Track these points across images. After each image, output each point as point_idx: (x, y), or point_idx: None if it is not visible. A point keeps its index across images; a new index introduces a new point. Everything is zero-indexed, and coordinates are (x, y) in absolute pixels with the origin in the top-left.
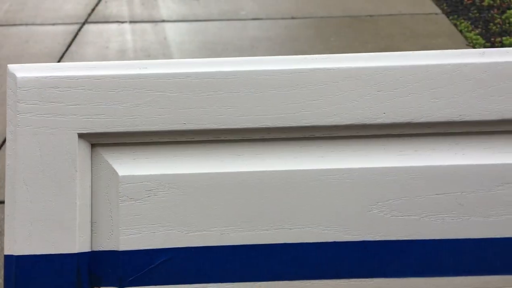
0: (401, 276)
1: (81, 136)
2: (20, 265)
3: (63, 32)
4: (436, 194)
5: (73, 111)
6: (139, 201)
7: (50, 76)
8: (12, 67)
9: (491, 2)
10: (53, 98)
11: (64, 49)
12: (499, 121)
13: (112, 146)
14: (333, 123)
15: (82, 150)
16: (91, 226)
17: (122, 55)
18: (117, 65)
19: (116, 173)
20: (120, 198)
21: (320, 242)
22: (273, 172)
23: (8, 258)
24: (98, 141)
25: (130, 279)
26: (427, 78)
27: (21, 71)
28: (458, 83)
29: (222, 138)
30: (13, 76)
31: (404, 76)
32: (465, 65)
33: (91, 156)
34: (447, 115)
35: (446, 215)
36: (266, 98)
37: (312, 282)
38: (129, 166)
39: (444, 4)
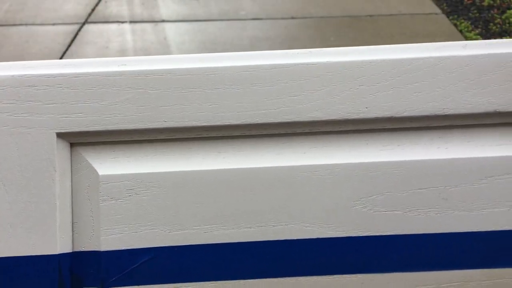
0: (386, 272)
1: (59, 135)
2: (1, 268)
3: (63, 32)
4: (420, 189)
5: (51, 110)
6: (120, 200)
7: (27, 75)
8: None
9: (491, 2)
10: (30, 97)
11: (64, 49)
12: (482, 114)
13: (91, 145)
14: (315, 119)
15: (61, 150)
16: (72, 227)
17: (122, 55)
18: (95, 62)
19: (97, 173)
20: (100, 197)
21: (304, 239)
22: (255, 169)
23: None
24: (77, 140)
25: (113, 279)
26: (409, 71)
27: None
28: (441, 76)
29: (203, 135)
30: None
31: (386, 70)
32: (448, 58)
33: (71, 155)
34: (430, 109)
35: (429, 209)
36: (247, 94)
37: (296, 278)
38: (109, 165)
39: (444, 4)
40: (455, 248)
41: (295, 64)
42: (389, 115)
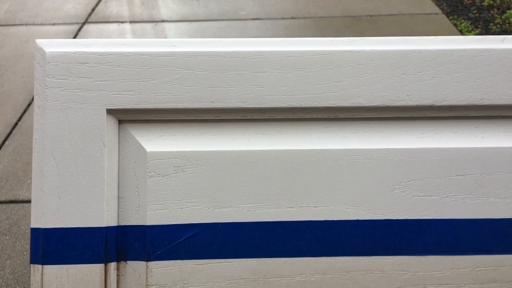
0: (422, 254)
1: (109, 112)
2: (48, 238)
3: (63, 32)
4: (457, 176)
5: (102, 87)
6: (166, 177)
7: (79, 52)
8: (40, 42)
9: (491, 2)
10: (82, 73)
11: None
12: None
13: (139, 122)
14: (357, 105)
15: (110, 126)
16: (118, 201)
17: None
18: (146, 43)
19: (144, 149)
20: (148, 173)
21: (344, 220)
22: (297, 151)
23: (35, 231)
24: (125, 118)
25: (158, 252)
26: (450, 62)
27: (49, 46)
28: (480, 68)
29: (248, 117)
30: (42, 51)
31: (428, 60)
32: (487, 50)
33: (118, 132)
34: (468, 98)
35: (466, 195)
36: (292, 79)
37: (335, 258)
38: (156, 142)
39: (444, 4)
40: (490, 234)
41: (339, 51)
42: (429, 104)
